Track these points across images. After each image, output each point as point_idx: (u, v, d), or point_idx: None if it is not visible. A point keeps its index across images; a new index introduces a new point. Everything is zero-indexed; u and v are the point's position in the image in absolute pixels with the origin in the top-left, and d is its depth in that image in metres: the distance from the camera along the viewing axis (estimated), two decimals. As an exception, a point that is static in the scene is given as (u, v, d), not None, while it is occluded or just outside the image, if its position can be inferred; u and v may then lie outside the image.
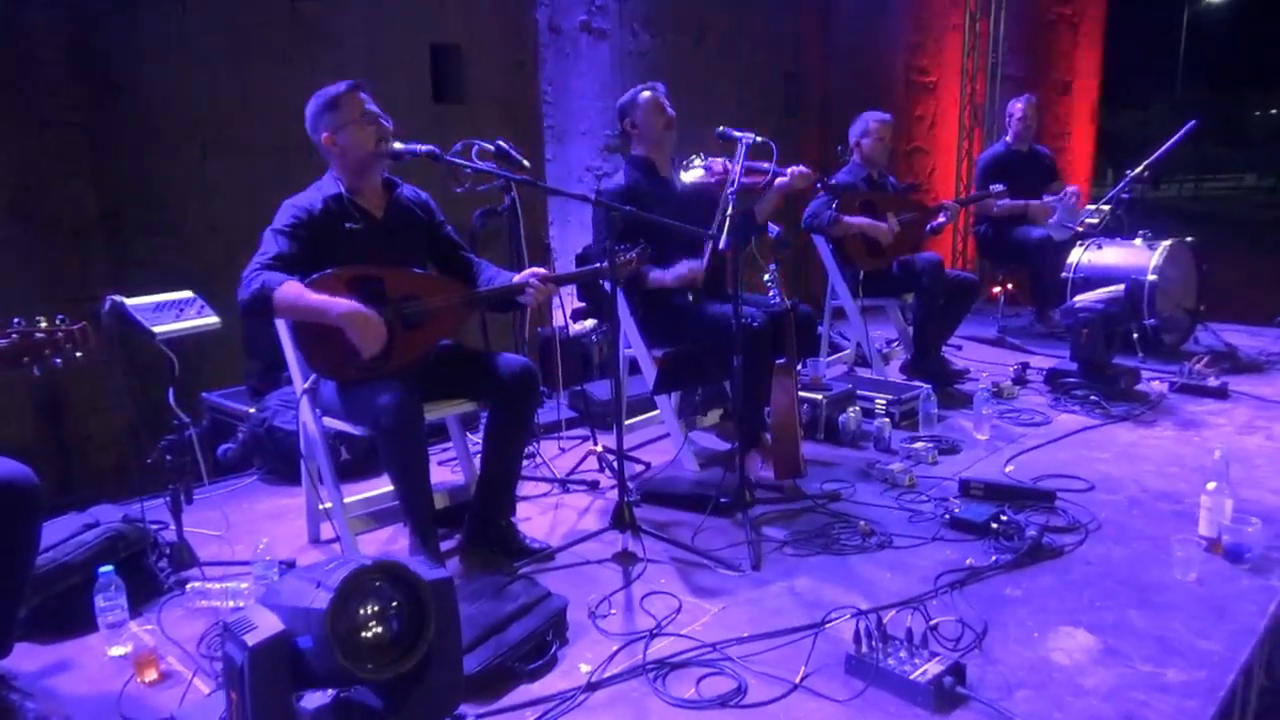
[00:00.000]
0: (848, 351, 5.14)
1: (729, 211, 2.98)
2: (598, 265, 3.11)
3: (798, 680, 2.17)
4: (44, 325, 2.03)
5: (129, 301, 2.89)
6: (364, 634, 1.70)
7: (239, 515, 3.31)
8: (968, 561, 2.74)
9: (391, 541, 3.05)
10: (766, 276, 3.41)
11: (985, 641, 2.31)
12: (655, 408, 3.85)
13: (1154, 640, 2.32)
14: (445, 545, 2.93)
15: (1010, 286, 6.24)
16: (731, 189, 3.06)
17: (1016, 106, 5.85)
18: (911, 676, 2.07)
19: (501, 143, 3.39)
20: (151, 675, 2.26)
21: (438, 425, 3.23)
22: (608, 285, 2.83)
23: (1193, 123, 5.59)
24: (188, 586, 2.67)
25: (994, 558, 2.74)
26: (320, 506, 2.99)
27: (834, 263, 4.76)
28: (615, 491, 2.93)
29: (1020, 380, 4.68)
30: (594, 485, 3.51)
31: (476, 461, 3.13)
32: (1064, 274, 5.45)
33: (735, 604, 2.56)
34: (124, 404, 3.47)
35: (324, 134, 2.76)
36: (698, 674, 2.21)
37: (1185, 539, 2.68)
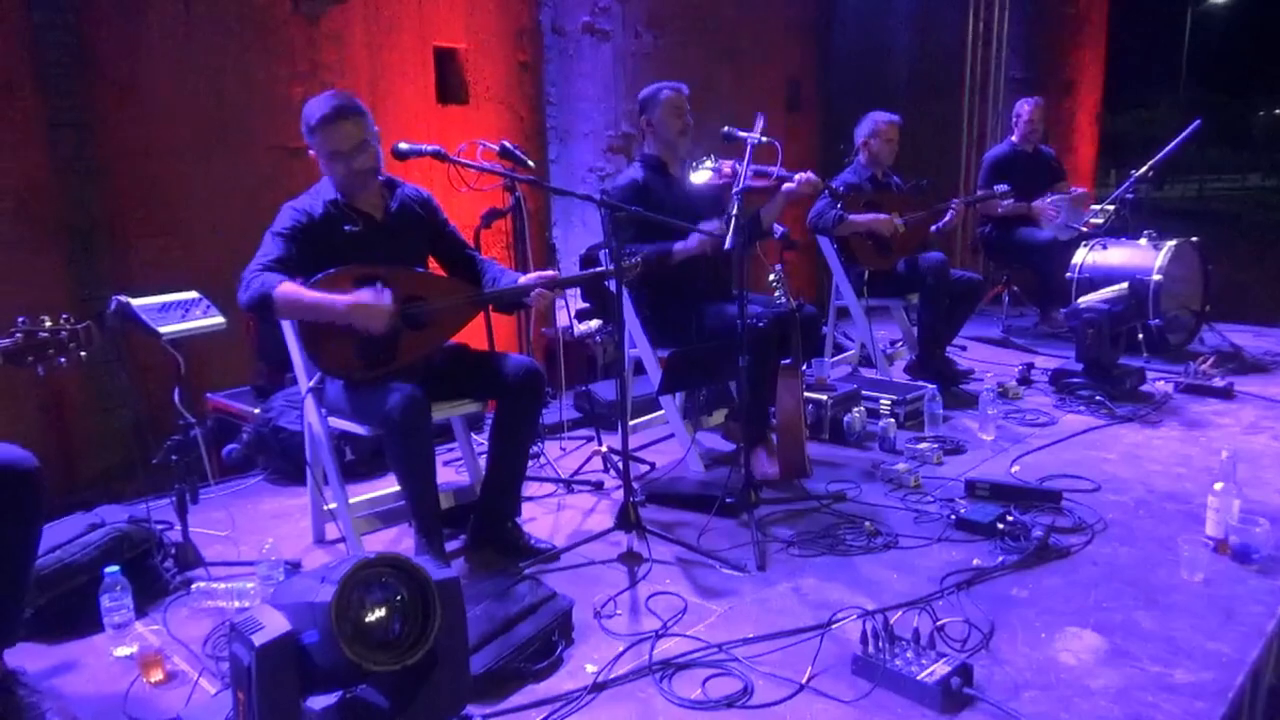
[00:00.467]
0: (852, 352, 5.13)
1: (734, 211, 2.97)
2: (601, 269, 3.12)
3: (804, 681, 2.16)
4: (48, 324, 2.03)
5: (135, 302, 2.89)
6: (369, 625, 1.69)
7: (244, 516, 3.31)
8: (974, 562, 2.74)
9: (396, 542, 3.05)
10: (772, 277, 3.41)
11: (992, 642, 2.30)
12: (660, 408, 3.84)
13: (1162, 641, 2.31)
14: (450, 546, 2.93)
15: (1015, 287, 6.23)
16: (737, 189, 3.06)
17: (1024, 108, 5.84)
18: (919, 677, 2.07)
19: (506, 143, 3.39)
20: (157, 675, 2.26)
21: (443, 426, 3.22)
22: (613, 285, 2.82)
23: (1197, 122, 5.58)
24: (193, 587, 2.67)
25: (1000, 558, 2.74)
26: (325, 507, 2.99)
27: (838, 263, 4.76)
28: (620, 492, 2.93)
29: (1025, 381, 4.67)
30: (599, 486, 3.51)
31: (481, 462, 3.13)
32: (1069, 274, 5.44)
33: (741, 604, 2.55)
34: (129, 404, 3.47)
35: (310, 150, 2.76)
36: (704, 674, 2.21)
37: (1192, 539, 2.68)
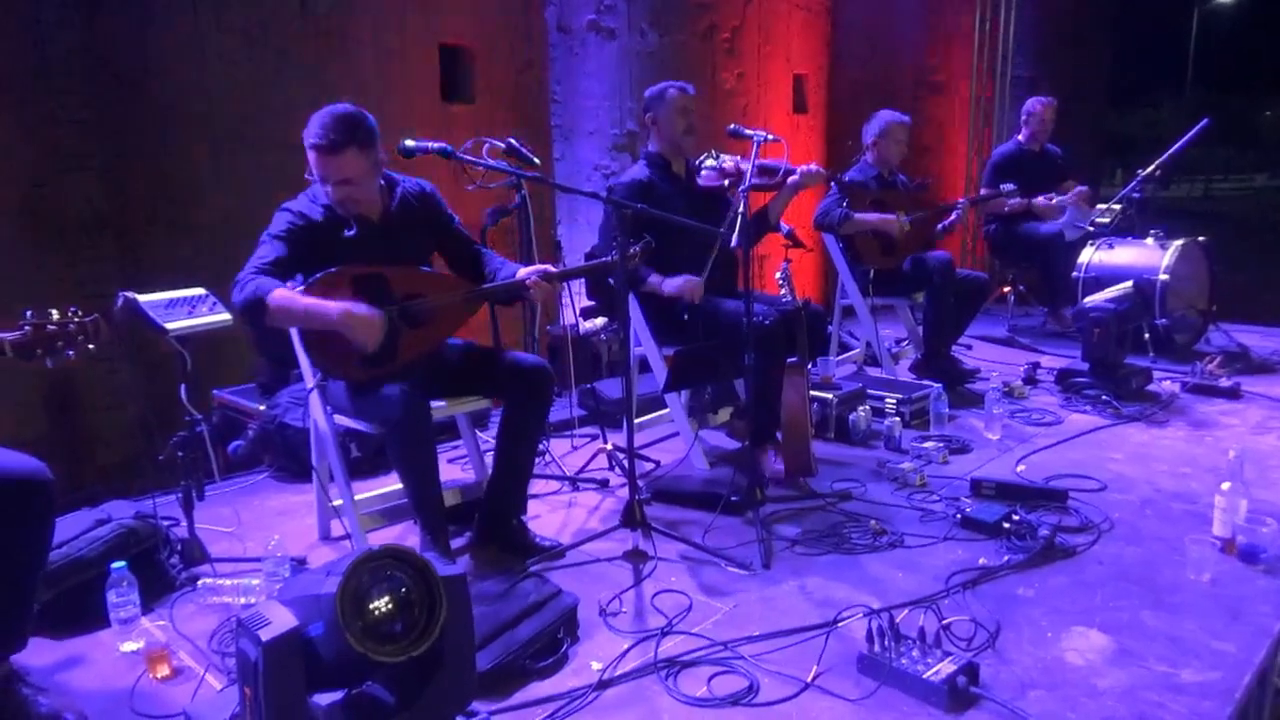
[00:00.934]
0: (857, 351, 5.13)
1: (740, 210, 2.97)
2: (602, 260, 3.11)
3: (810, 679, 2.16)
4: (56, 317, 2.04)
5: (141, 298, 2.89)
6: (374, 617, 1.69)
7: (250, 512, 3.32)
8: (980, 561, 2.73)
9: (402, 539, 3.04)
10: (779, 275, 3.41)
11: (998, 641, 2.30)
12: (665, 406, 3.84)
13: (1168, 641, 2.31)
14: (456, 543, 2.94)
15: (1021, 286, 6.22)
16: (743, 187, 3.06)
17: (1038, 107, 5.82)
18: (925, 676, 2.06)
19: (512, 140, 3.39)
20: (163, 671, 2.27)
21: (448, 423, 3.23)
22: (618, 283, 2.82)
23: (1205, 121, 5.56)
24: (199, 583, 2.68)
25: (1006, 557, 2.73)
26: (331, 503, 3.00)
27: (844, 261, 4.75)
28: (625, 490, 2.93)
29: (1031, 380, 4.66)
30: (604, 483, 3.51)
31: (487, 459, 3.13)
32: (1075, 273, 5.43)
33: (746, 602, 2.55)
34: (136, 400, 3.48)
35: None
36: (709, 672, 2.21)
37: (1199, 539, 2.67)
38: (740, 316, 3.02)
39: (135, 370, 3.45)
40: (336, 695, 1.81)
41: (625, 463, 2.92)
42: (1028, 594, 2.55)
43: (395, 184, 2.89)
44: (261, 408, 3.66)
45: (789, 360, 3.42)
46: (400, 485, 2.82)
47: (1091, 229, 5.79)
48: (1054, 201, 5.71)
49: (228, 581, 2.65)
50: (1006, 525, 2.86)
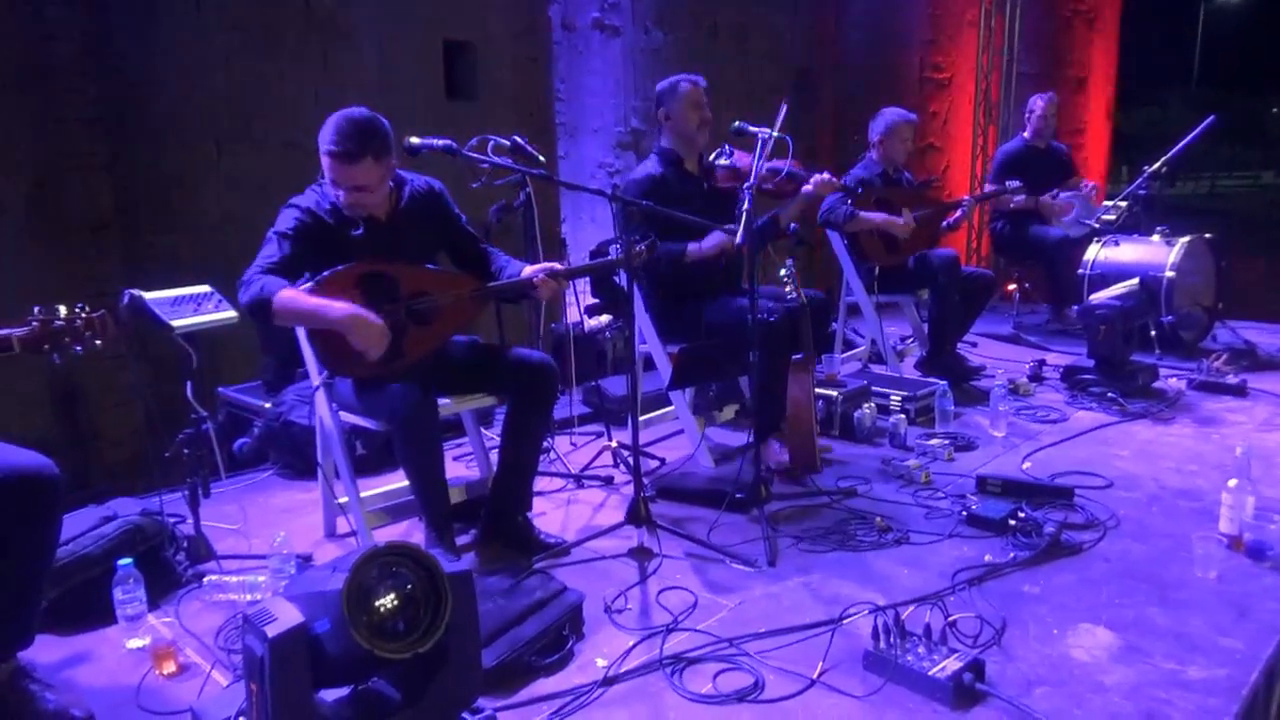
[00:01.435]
0: (863, 348, 5.13)
1: (746, 207, 2.97)
2: (608, 259, 3.10)
3: (815, 676, 2.16)
4: (64, 313, 2.05)
5: (147, 296, 2.90)
6: (380, 610, 1.69)
7: (255, 509, 3.33)
8: (986, 558, 2.73)
9: (407, 536, 3.05)
10: (783, 272, 3.40)
11: (1004, 638, 2.30)
12: (670, 403, 3.84)
13: (1175, 638, 2.30)
14: (461, 540, 2.94)
15: (1027, 283, 6.20)
16: (749, 185, 3.05)
17: (1038, 103, 5.81)
18: (930, 673, 2.06)
19: (517, 138, 3.39)
20: (170, 667, 2.27)
21: (454, 420, 3.23)
22: (624, 280, 2.82)
23: (1211, 118, 5.54)
24: (205, 579, 2.68)
25: (1012, 554, 2.73)
26: (336, 500, 3.00)
27: (849, 259, 4.74)
28: (630, 487, 2.92)
29: (1036, 377, 4.65)
30: (609, 481, 3.51)
31: (492, 456, 3.13)
32: (1081, 271, 5.41)
33: (751, 599, 2.55)
34: (142, 398, 3.49)
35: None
36: (714, 669, 2.21)
37: (1206, 536, 2.66)
38: (744, 313, 3.02)
39: (141, 368, 3.46)
40: (342, 691, 1.82)
41: (630, 460, 2.92)
42: (1033, 591, 2.55)
43: (404, 183, 2.88)
44: (267, 405, 3.66)
45: (794, 357, 3.42)
46: (406, 482, 2.82)
47: (1097, 226, 5.77)
48: (1061, 198, 5.69)
49: (233, 578, 2.65)
50: (1012, 522, 2.86)
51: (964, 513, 3.00)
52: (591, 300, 4.34)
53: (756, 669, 2.19)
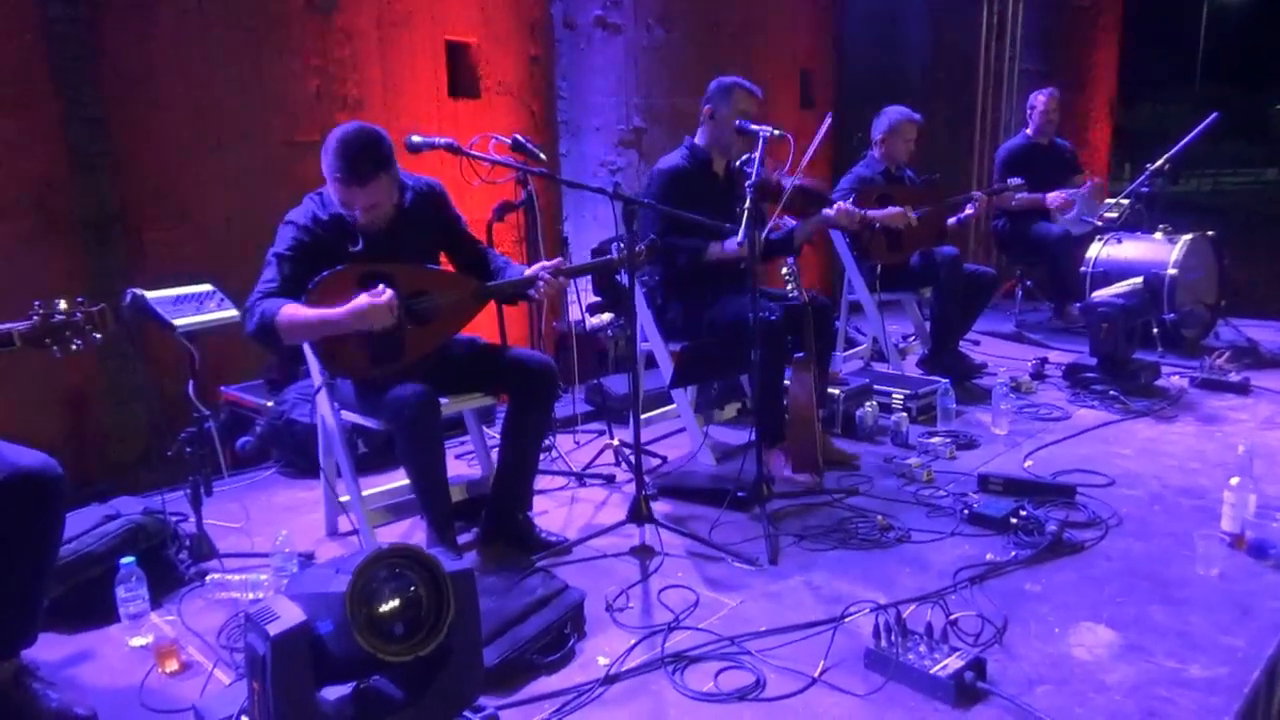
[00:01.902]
0: (865, 346, 5.12)
1: (747, 206, 2.97)
2: (608, 257, 3.10)
3: (816, 674, 2.16)
4: (64, 307, 2.05)
5: (149, 295, 2.90)
6: (383, 612, 1.70)
7: (258, 508, 3.33)
8: (987, 556, 2.72)
9: (409, 534, 3.06)
10: (785, 271, 3.40)
11: (1005, 637, 2.30)
12: (672, 402, 3.84)
13: (1176, 636, 2.30)
14: (462, 539, 2.94)
15: (1029, 281, 6.20)
16: (750, 184, 3.05)
17: (1039, 100, 5.79)
18: (932, 671, 2.06)
19: (519, 136, 3.39)
20: (172, 666, 2.28)
21: (455, 419, 3.23)
22: (625, 278, 2.82)
23: (1214, 115, 5.52)
24: (208, 578, 2.69)
25: (1013, 553, 2.73)
26: (338, 499, 3.01)
27: (851, 257, 4.74)
28: (632, 485, 2.93)
29: (1039, 375, 4.65)
30: (610, 479, 3.51)
31: (494, 455, 3.14)
32: (1083, 268, 5.40)
33: (753, 598, 2.55)
34: (144, 397, 3.49)
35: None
36: (716, 667, 2.21)
37: (1208, 534, 2.66)
38: (746, 312, 3.02)
39: (144, 367, 3.46)
40: (344, 689, 1.82)
41: (632, 458, 2.92)
42: (1035, 589, 2.55)
43: (405, 185, 2.86)
44: (269, 404, 3.67)
45: (796, 356, 3.42)
46: (407, 481, 2.83)
47: (1099, 224, 5.76)
48: (1064, 196, 5.67)
49: (236, 577, 2.66)
50: (1014, 520, 2.86)
51: (966, 511, 3.00)
52: (593, 298, 4.34)
53: (758, 667, 2.20)
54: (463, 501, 3.08)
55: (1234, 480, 2.77)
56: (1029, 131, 5.88)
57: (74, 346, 2.06)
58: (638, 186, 5.18)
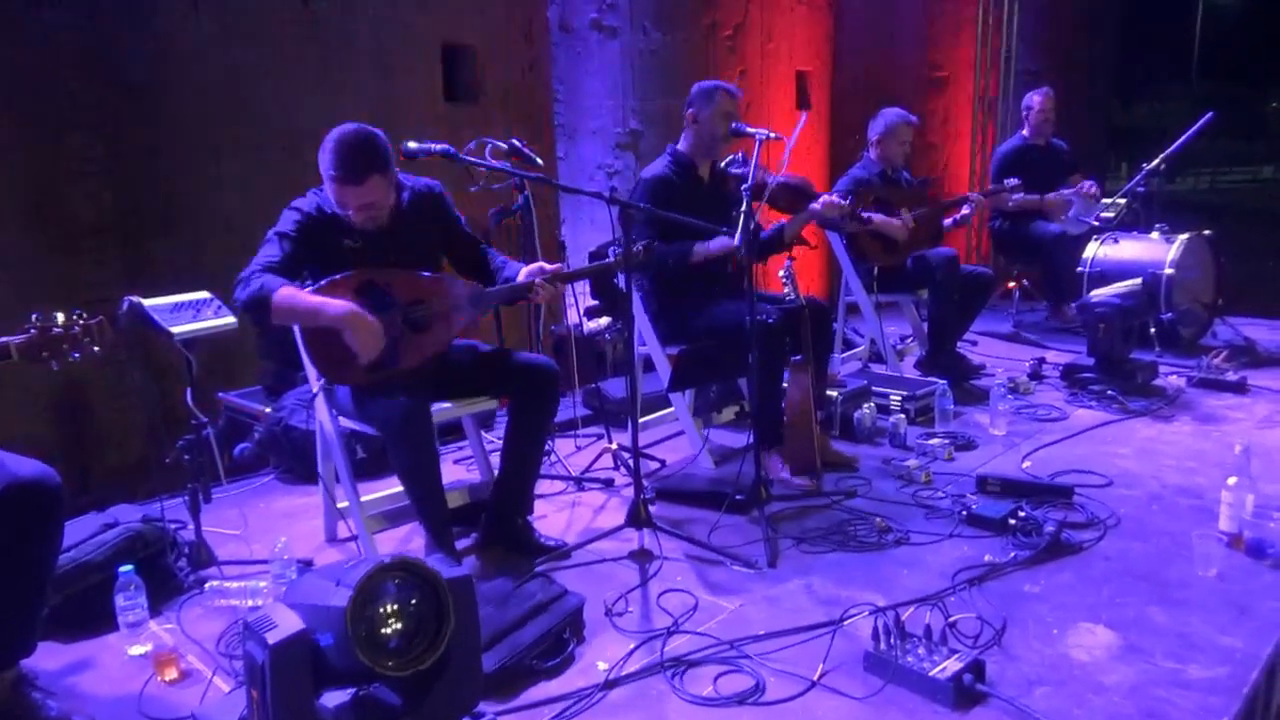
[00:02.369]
0: (862, 348, 5.13)
1: (744, 208, 2.97)
2: (605, 261, 3.10)
3: (816, 678, 2.16)
4: (61, 320, 2.05)
5: (147, 302, 2.90)
6: (384, 631, 1.71)
7: (256, 514, 3.33)
8: (986, 558, 2.73)
9: (408, 540, 3.06)
10: (782, 273, 3.41)
11: (1004, 638, 2.30)
12: (670, 405, 3.84)
13: (1175, 637, 2.30)
14: (461, 544, 2.94)
15: (1026, 281, 6.20)
16: (746, 186, 3.06)
17: (1035, 100, 5.79)
18: (931, 673, 2.07)
19: (515, 141, 3.39)
20: (172, 674, 2.28)
21: (455, 424, 3.24)
22: (622, 282, 2.82)
23: (1210, 115, 5.53)
24: (206, 585, 2.69)
25: (1012, 554, 2.73)
26: (337, 505, 3.01)
27: (848, 258, 4.74)
28: (631, 489, 2.93)
29: (1036, 375, 4.65)
30: (609, 483, 3.51)
31: (493, 460, 3.14)
32: (1080, 268, 5.40)
33: (752, 601, 2.56)
34: (142, 404, 3.49)
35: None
36: (715, 671, 2.21)
37: (1206, 534, 2.66)
38: (743, 315, 3.02)
39: (141, 374, 3.46)
40: (343, 696, 1.82)
41: (630, 462, 2.92)
42: (1034, 590, 2.55)
43: (403, 187, 2.88)
44: (267, 410, 3.66)
45: (793, 359, 3.42)
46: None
47: (1096, 223, 5.76)
48: (1061, 195, 5.68)
49: (235, 584, 2.66)
50: (1012, 522, 2.86)
51: (964, 512, 3.00)
52: (591, 302, 4.34)
53: (757, 671, 2.20)
54: (462, 506, 3.08)
55: (1231, 480, 2.78)
56: (1025, 132, 5.88)
57: (71, 359, 2.06)
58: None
